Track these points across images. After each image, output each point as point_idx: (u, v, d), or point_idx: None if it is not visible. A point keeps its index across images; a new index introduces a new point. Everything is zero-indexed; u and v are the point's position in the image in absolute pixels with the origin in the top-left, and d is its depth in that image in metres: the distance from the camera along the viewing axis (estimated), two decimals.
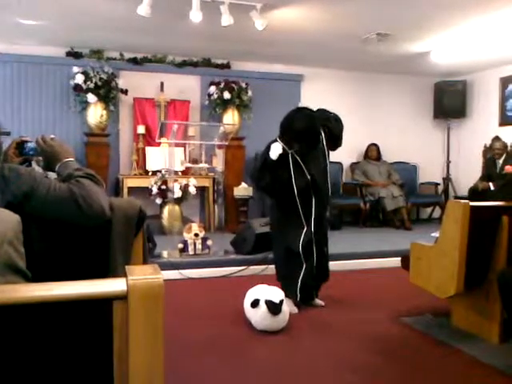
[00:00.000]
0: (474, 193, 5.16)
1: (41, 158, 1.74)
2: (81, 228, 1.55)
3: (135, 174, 6.45)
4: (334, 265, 4.83)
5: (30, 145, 1.75)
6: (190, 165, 6.15)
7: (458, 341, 2.93)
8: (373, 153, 7.49)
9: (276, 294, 3.10)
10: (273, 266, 4.62)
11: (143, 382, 0.96)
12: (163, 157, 6.18)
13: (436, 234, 3.12)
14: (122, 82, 6.36)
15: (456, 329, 3.13)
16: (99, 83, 6.06)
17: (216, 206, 6.51)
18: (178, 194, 5.79)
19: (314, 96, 7.51)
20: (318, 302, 3.75)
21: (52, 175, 1.67)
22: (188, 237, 4.78)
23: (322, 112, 3.79)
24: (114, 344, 0.98)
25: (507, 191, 3.09)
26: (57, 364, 1.01)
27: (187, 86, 6.92)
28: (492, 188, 5.37)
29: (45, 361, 1.00)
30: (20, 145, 1.76)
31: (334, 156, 7.25)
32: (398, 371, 2.57)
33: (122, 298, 0.94)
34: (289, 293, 3.51)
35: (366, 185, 7.23)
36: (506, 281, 2.57)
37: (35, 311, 0.96)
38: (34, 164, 1.78)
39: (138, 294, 0.94)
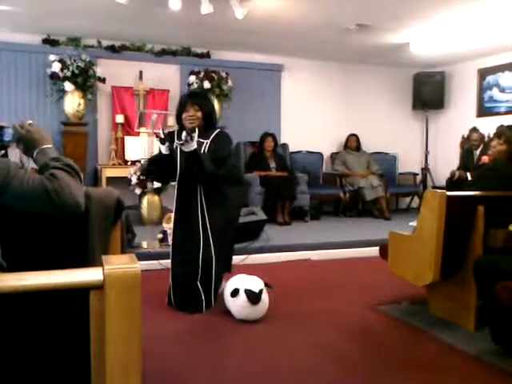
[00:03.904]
0: (452, 182, 5.22)
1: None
2: (58, 218, 1.53)
3: (114, 164, 6.38)
4: (313, 254, 4.92)
5: (5, 130, 1.70)
6: None
7: (434, 328, 2.98)
8: (352, 143, 7.52)
9: (256, 283, 3.11)
10: (254, 256, 4.66)
11: (120, 372, 0.95)
12: (142, 146, 6.13)
13: (414, 224, 3.16)
14: (99, 70, 6.24)
15: (433, 316, 3.18)
16: (76, 71, 5.94)
17: None
18: (157, 184, 5.75)
19: (294, 85, 7.54)
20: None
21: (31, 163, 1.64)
22: (167, 227, 4.75)
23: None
24: (90, 333, 0.97)
25: (483, 181, 3.13)
26: (33, 354, 1.00)
27: (166, 75, 6.86)
28: (469, 178, 5.44)
29: (21, 351, 0.99)
30: None
31: (314, 146, 7.41)
32: (375, 358, 2.61)
33: (99, 287, 0.94)
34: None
35: (346, 175, 7.27)
36: (481, 269, 2.62)
37: (11, 301, 0.95)
38: (11, 151, 1.74)
39: (114, 284, 0.93)
